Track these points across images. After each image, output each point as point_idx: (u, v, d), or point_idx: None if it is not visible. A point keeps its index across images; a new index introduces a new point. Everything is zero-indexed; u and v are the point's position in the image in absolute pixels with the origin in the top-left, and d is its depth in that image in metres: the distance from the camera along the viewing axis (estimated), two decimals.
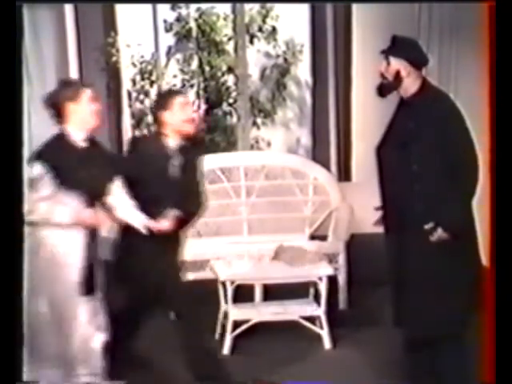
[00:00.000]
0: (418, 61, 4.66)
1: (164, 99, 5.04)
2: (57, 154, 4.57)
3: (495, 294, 3.99)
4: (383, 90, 4.70)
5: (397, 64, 4.63)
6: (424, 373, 4.71)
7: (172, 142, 5.00)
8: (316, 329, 5.95)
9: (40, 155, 4.57)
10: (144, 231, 4.80)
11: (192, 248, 6.08)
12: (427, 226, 4.50)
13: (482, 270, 4.60)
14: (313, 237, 6.99)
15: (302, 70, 8.81)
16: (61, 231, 4.58)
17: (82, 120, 4.63)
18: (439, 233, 4.50)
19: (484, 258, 4.56)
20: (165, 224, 4.84)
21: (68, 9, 8.24)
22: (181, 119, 4.97)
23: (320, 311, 5.95)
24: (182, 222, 4.97)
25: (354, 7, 7.97)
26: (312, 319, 5.98)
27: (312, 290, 6.20)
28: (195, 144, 5.12)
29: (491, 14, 4.17)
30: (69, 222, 4.55)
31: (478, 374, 4.32)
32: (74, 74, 8.36)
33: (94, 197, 4.65)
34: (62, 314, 4.61)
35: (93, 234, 4.67)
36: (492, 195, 4.10)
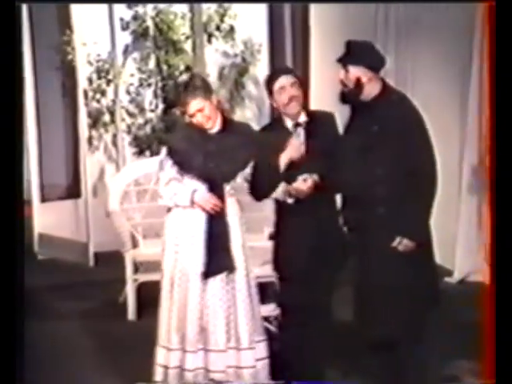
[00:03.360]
0: (376, 64, 4.58)
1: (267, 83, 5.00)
2: (180, 138, 4.81)
3: (495, 294, 4.00)
4: (346, 97, 4.62)
5: (356, 71, 4.54)
6: (385, 373, 4.70)
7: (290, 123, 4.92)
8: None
9: (167, 139, 4.93)
10: (286, 198, 4.83)
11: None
12: (395, 243, 4.49)
13: (436, 272, 4.68)
14: (271, 237, 6.94)
15: (261, 69, 8.77)
16: (187, 212, 4.76)
17: (197, 121, 4.74)
18: (405, 242, 4.48)
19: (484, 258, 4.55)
20: (304, 187, 4.77)
21: (22, 7, 8.13)
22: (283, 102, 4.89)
23: None
24: (319, 186, 4.83)
25: (312, 6, 7.97)
26: None
27: None
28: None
29: (491, 13, 4.16)
30: (187, 205, 4.73)
31: (439, 373, 4.33)
32: (28, 72, 8.27)
33: (216, 181, 4.77)
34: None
35: (213, 216, 4.78)
36: (492, 195, 4.12)
